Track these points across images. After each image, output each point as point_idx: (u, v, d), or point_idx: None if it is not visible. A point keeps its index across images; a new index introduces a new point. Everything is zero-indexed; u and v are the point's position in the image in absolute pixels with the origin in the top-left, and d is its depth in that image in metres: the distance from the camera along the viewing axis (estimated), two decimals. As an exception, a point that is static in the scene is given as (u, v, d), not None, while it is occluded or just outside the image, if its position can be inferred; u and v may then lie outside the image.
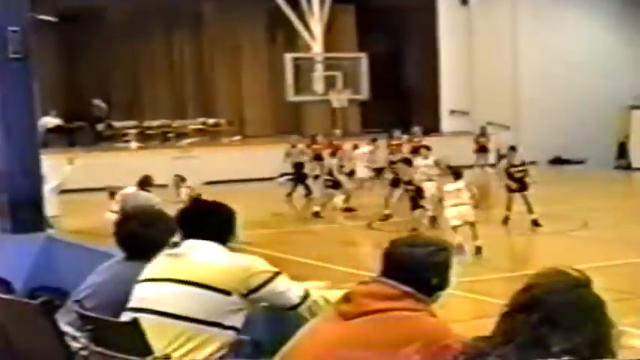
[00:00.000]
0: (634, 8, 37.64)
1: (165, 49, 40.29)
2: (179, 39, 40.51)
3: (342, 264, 15.89)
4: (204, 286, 4.54)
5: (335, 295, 4.58)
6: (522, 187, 20.72)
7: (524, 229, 20.30)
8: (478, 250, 16.87)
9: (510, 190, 20.81)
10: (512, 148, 21.75)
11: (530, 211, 20.32)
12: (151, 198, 17.09)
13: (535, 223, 20.24)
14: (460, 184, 17.59)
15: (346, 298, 3.85)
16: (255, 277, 4.59)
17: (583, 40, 37.05)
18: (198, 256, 4.68)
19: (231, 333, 4.61)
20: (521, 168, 21.04)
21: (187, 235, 4.83)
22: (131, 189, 18.10)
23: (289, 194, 26.55)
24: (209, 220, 4.86)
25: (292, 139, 29.32)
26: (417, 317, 3.73)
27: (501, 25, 37.14)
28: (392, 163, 22.94)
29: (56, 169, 18.94)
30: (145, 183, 17.89)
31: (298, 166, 27.34)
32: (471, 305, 12.00)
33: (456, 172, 18.03)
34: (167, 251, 4.79)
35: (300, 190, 26.79)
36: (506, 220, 20.73)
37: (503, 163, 22.12)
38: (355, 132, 37.06)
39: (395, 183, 22.13)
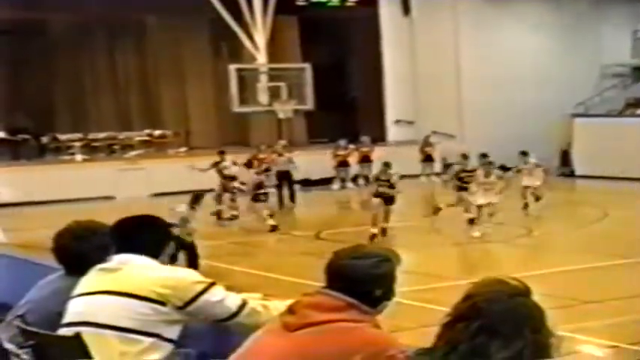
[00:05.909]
0: (575, 19, 38.05)
1: (108, 60, 39.91)
2: (122, 51, 40.18)
3: (289, 274, 15.89)
4: (138, 297, 4.50)
5: (273, 304, 4.59)
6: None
7: (471, 237, 20.50)
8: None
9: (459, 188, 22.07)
10: (465, 156, 23.20)
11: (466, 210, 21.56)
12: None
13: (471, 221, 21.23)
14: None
15: (290, 310, 3.85)
16: (190, 289, 4.55)
17: (525, 50, 37.35)
18: (132, 270, 4.63)
19: (169, 345, 4.58)
20: (471, 174, 21.99)
21: (120, 249, 4.75)
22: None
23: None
24: (142, 234, 4.80)
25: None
26: (360, 328, 3.73)
27: (444, 35, 37.33)
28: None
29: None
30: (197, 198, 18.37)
31: None
32: (419, 313, 12.04)
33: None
34: (99, 266, 4.71)
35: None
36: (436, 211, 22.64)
37: (454, 168, 23.17)
38: (301, 142, 37.06)
39: None
